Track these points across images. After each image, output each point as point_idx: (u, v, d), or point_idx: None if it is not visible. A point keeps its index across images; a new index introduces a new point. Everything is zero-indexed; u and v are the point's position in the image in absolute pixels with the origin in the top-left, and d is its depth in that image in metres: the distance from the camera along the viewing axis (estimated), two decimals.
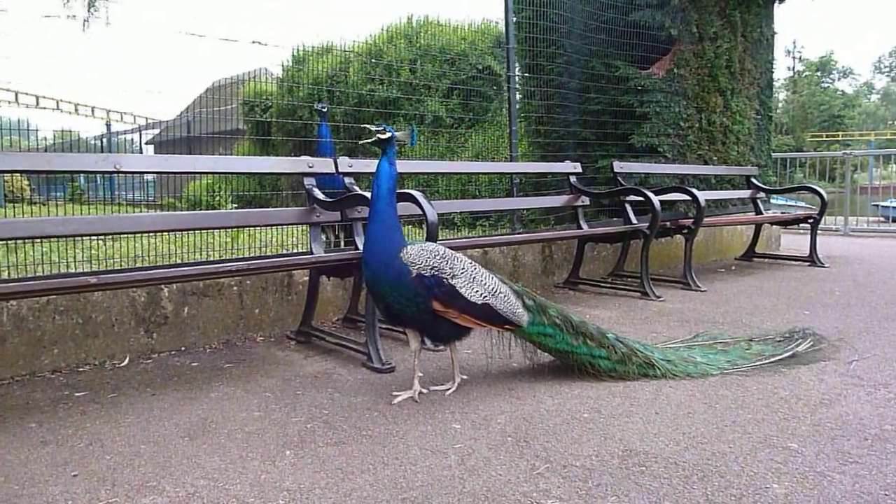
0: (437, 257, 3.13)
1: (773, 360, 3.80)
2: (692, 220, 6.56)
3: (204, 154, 6.10)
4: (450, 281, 3.10)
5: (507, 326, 3.34)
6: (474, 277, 3.19)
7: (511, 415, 3.08)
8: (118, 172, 3.54)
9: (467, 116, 10.46)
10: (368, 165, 4.84)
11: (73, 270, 4.35)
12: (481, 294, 3.18)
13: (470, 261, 3.26)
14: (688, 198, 6.63)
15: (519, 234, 6.06)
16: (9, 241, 4.22)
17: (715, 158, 8.25)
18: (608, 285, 6.49)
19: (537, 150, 7.66)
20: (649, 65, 7.72)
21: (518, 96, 7.33)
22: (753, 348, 3.94)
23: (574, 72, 7.66)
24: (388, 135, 3.19)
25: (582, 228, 6.13)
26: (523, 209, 7.10)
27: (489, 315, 3.22)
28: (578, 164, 6.42)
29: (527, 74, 7.52)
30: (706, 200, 6.52)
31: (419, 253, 3.10)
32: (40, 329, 3.75)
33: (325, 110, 6.59)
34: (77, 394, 3.44)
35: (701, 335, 4.29)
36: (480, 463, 2.58)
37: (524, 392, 3.40)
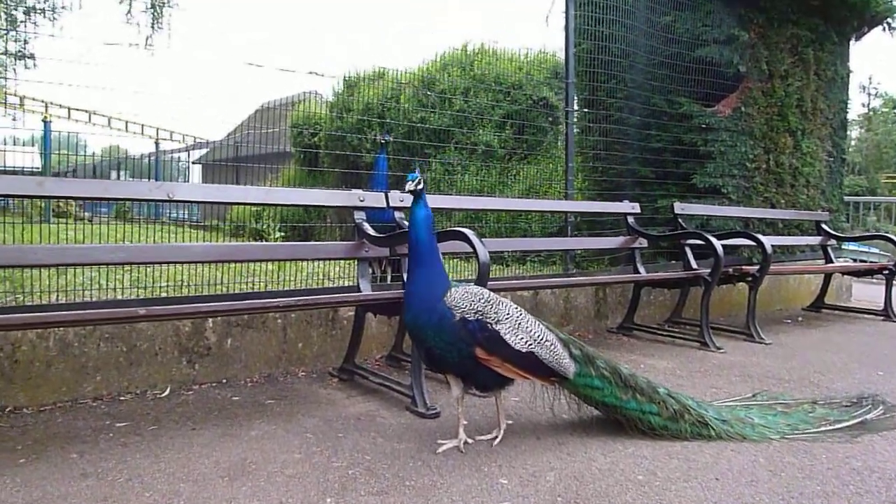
0: (482, 301, 3.10)
1: (838, 426, 3.66)
2: (757, 268, 6.42)
3: (251, 176, 6.28)
4: (494, 326, 3.07)
5: (552, 378, 3.29)
6: (519, 324, 3.16)
7: (561, 472, 3.03)
8: (171, 201, 3.67)
9: (520, 148, 10.49)
10: None
11: (120, 297, 4.49)
12: (526, 342, 3.14)
13: (516, 306, 3.23)
14: (752, 243, 6.49)
15: (572, 275, 6.02)
16: (59, 267, 4.38)
17: (783, 202, 8.08)
18: (665, 333, 6.37)
19: (593, 186, 7.63)
20: (715, 102, 7.65)
21: (575, 131, 7.34)
22: (817, 412, 3.80)
23: (635, 107, 7.65)
24: (421, 185, 3.21)
25: (639, 272, 6.06)
26: (577, 249, 7.06)
27: (533, 365, 3.18)
28: (637, 205, 6.37)
29: (585, 109, 7.53)
30: (773, 246, 6.38)
31: (463, 296, 3.09)
32: (85, 356, 3.87)
33: (386, 141, 6.68)
34: (118, 424, 3.53)
35: (761, 394, 4.17)
36: None
37: (575, 447, 3.35)
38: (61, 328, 3.69)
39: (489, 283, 4.27)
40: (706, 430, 3.48)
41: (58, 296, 4.35)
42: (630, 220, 6.26)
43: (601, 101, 7.42)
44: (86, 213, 11.31)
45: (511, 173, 9.81)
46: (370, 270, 4.79)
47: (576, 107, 7.40)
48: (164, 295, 4.83)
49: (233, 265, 5.58)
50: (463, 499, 2.74)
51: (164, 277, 5.30)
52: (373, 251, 4.35)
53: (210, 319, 4.24)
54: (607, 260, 7.53)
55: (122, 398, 3.97)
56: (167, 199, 3.65)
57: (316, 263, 6.28)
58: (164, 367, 4.15)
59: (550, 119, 10.88)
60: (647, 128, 7.61)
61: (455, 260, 7.17)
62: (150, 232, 7.16)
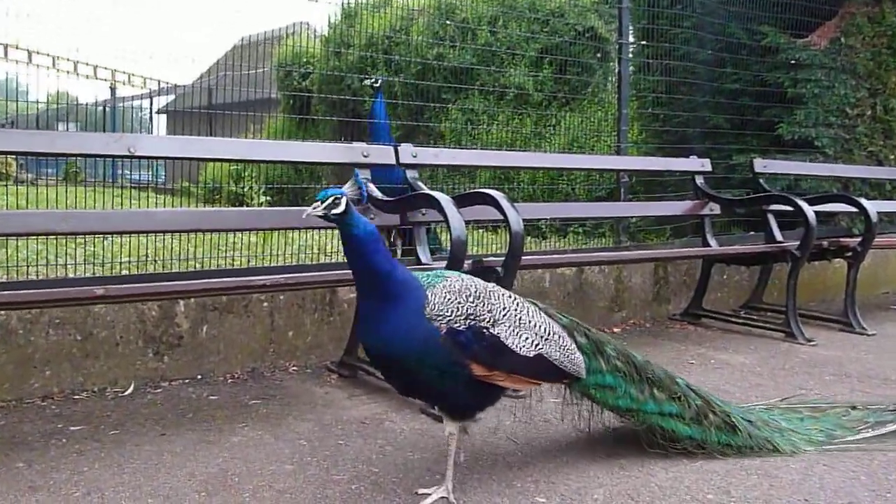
0: (471, 298, 2.85)
1: (883, 431, 3.70)
2: (859, 240, 6.34)
3: (228, 128, 6.29)
4: (492, 331, 2.86)
5: (563, 381, 3.19)
6: (520, 319, 2.96)
7: (611, 489, 3.05)
8: (133, 157, 3.69)
9: (561, 92, 10.40)
10: (437, 156, 4.92)
11: (72, 275, 4.55)
12: (532, 342, 2.96)
13: (509, 294, 3.05)
14: (853, 209, 6.41)
15: (625, 248, 6.00)
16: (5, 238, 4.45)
17: (892, 157, 7.96)
18: (741, 321, 6.34)
19: (651, 139, 7.59)
20: (807, 32, 7.53)
21: (630, 69, 7.27)
22: (853, 415, 3.84)
23: (705, 39, 7.55)
24: (343, 206, 2.67)
25: (709, 245, 6.03)
26: (632, 217, 7.02)
27: (545, 370, 3.02)
28: (707, 161, 6.31)
29: (643, 42, 7.45)
30: (879, 213, 6.30)
31: (446, 298, 2.80)
32: (32, 345, 3.94)
33: (378, 85, 6.67)
34: (72, 428, 3.59)
35: (792, 398, 4.18)
36: None
37: (629, 459, 3.36)
38: (2, 311, 3.74)
39: (524, 257, 4.29)
40: (733, 436, 3.44)
41: None
42: (698, 180, 6.21)
43: (663, 32, 7.33)
44: (28, 175, 11.44)
45: (549, 123, 9.75)
46: None
47: (631, 39, 7.31)
48: (125, 273, 4.88)
49: (207, 236, 5.61)
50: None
51: (125, 252, 5.35)
52: (380, 218, 4.36)
53: (181, 302, 4.29)
54: (669, 230, 7.50)
55: (76, 397, 4.03)
56: (128, 154, 3.67)
57: (309, 234, 6.31)
58: (127, 360, 4.20)
59: (599, 55, 10.75)
60: (722, 65, 7.51)
61: (479, 231, 7.18)
62: (105, 197, 7.23)
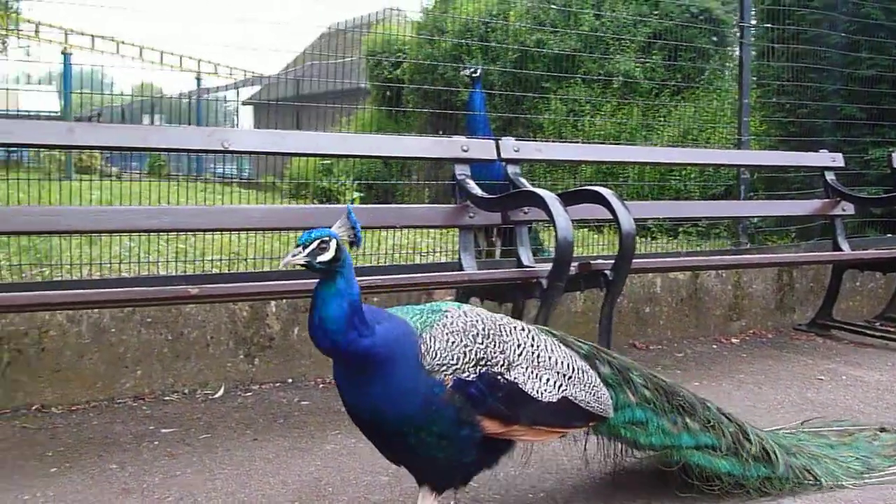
0: (479, 339, 2.51)
1: None
2: None
3: (315, 120, 6.43)
4: (508, 377, 2.53)
5: (590, 424, 2.87)
6: (538, 358, 2.65)
7: None
8: (226, 152, 3.82)
9: (673, 80, 10.23)
10: (541, 150, 4.91)
11: (162, 273, 4.74)
12: (555, 384, 2.66)
13: (521, 327, 2.72)
14: None
15: (746, 251, 5.87)
16: (89, 235, 4.67)
17: None
18: (876, 333, 6.10)
19: (775, 131, 7.40)
20: None
21: (752, 54, 7.10)
22: (883, 439, 3.57)
23: (837, 20, 7.32)
24: (332, 252, 2.34)
25: (840, 249, 5.83)
26: (753, 217, 6.85)
27: (571, 415, 2.74)
28: (839, 156, 6.11)
29: (766, 24, 7.27)
30: None
31: (448, 341, 2.45)
32: (123, 344, 4.12)
33: (477, 75, 6.70)
34: (163, 430, 3.75)
35: (810, 421, 3.83)
36: None
37: None
38: (96, 309, 3.93)
39: (634, 261, 4.25)
40: (771, 466, 3.11)
41: (90, 270, 4.63)
42: (829, 176, 6.01)
43: (789, 13, 7.13)
44: (113, 168, 11.93)
45: (660, 114, 9.61)
46: (474, 242, 4.83)
47: (753, 21, 7.14)
48: (214, 271, 5.05)
49: (297, 234, 5.76)
50: None
51: (214, 250, 5.54)
52: (479, 217, 4.39)
53: (273, 303, 4.41)
54: (793, 232, 7.29)
55: (166, 398, 4.21)
56: (221, 149, 3.81)
57: (402, 234, 6.39)
58: (217, 362, 4.35)
59: (715, 39, 10.54)
60: (856, 48, 7.26)
61: (583, 230, 7.13)
62: (191, 192, 7.49)
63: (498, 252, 6.21)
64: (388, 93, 12.36)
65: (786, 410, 4.28)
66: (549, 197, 3.97)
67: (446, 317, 2.51)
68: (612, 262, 4.26)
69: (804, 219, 6.79)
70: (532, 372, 2.60)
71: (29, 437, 3.62)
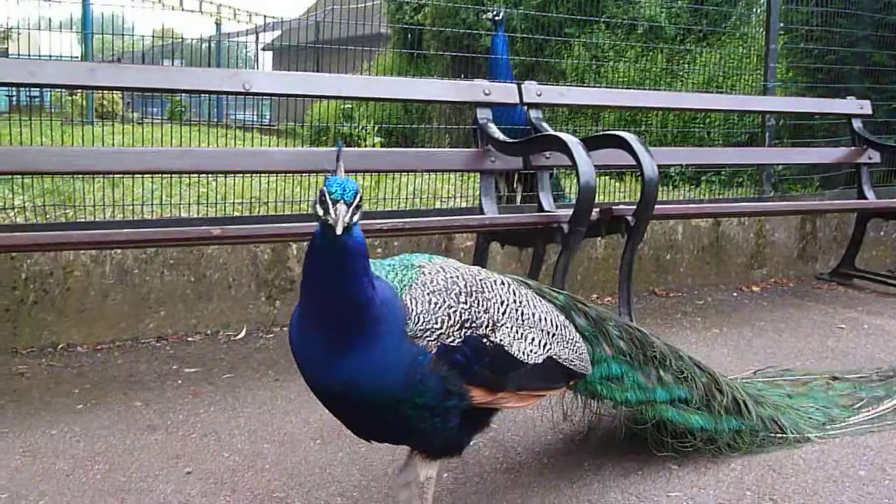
0: (462, 297, 2.29)
1: (886, 407, 3.42)
2: None
3: (336, 65, 6.38)
4: (494, 339, 2.32)
5: (571, 383, 2.70)
6: (522, 314, 2.44)
7: (751, 459, 3.02)
8: (248, 94, 3.81)
9: (698, 24, 10.07)
10: (564, 95, 4.87)
11: (185, 216, 4.76)
12: (540, 342, 2.46)
13: (501, 280, 2.49)
14: None
15: (769, 200, 5.82)
16: (112, 175, 4.68)
17: None
18: None
19: (801, 77, 7.27)
20: None
21: None
22: (838, 388, 3.54)
23: None
24: (344, 212, 1.97)
25: (866, 197, 5.78)
26: (777, 164, 6.78)
27: (555, 375, 2.56)
28: (867, 103, 6.02)
29: None
30: None
31: (430, 302, 2.22)
32: (147, 285, 4.17)
33: (499, 18, 6.61)
34: (187, 369, 3.81)
35: (763, 371, 3.76)
36: None
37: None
38: (119, 250, 3.97)
39: (656, 207, 4.23)
40: (742, 419, 3.02)
41: (113, 212, 4.66)
42: (856, 124, 5.93)
43: None
44: (134, 114, 11.93)
45: (684, 60, 9.46)
46: (495, 187, 4.82)
47: None
48: (236, 214, 5.07)
49: (316, 179, 5.77)
50: (619, 485, 2.79)
51: (235, 193, 5.55)
52: (501, 161, 4.37)
53: (294, 245, 4.43)
54: (817, 181, 7.21)
55: (189, 339, 4.26)
56: (243, 90, 3.79)
57: (422, 179, 6.37)
58: (239, 304, 4.40)
59: None
60: None
61: (604, 177, 7.08)
62: (211, 137, 7.49)
63: (519, 198, 6.19)
64: (409, 37, 12.24)
65: (805, 358, 4.29)
66: (572, 141, 3.94)
67: (423, 273, 2.28)
68: (634, 207, 4.25)
69: (829, 167, 6.73)
70: (517, 331, 2.39)
71: (55, 374, 3.69)
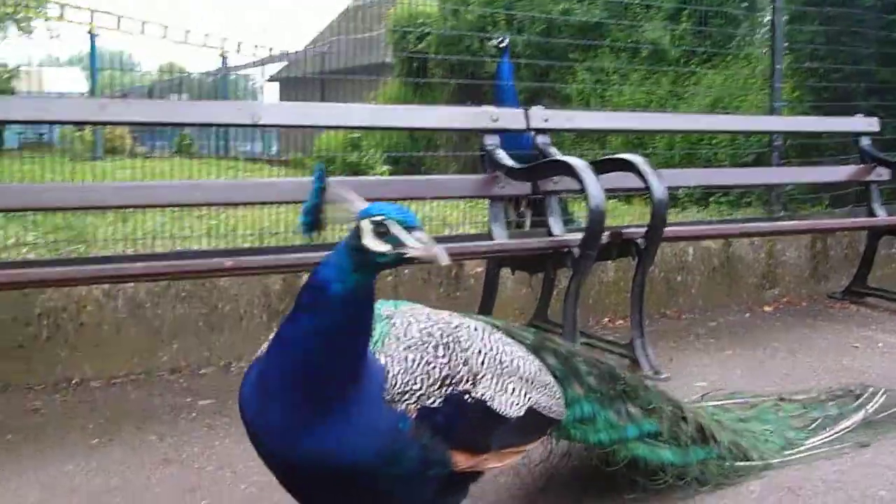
0: (438, 349, 2.05)
1: (841, 430, 3.28)
2: None
3: (341, 95, 6.46)
4: (475, 394, 2.08)
5: (549, 430, 2.50)
6: (500, 362, 2.21)
7: (770, 482, 2.99)
8: (257, 126, 3.85)
9: (702, 47, 10.12)
10: (571, 119, 4.89)
11: (196, 248, 4.79)
12: (521, 391, 2.23)
13: (474, 321, 2.30)
14: None
15: (779, 219, 5.82)
16: (123, 210, 4.72)
17: None
18: None
19: (808, 97, 7.29)
20: None
21: (783, 18, 7.00)
22: (788, 409, 3.38)
23: None
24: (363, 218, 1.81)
25: (876, 215, 5.77)
26: (786, 185, 6.79)
27: (536, 427, 2.35)
28: (875, 120, 6.03)
29: None
30: None
31: (405, 358, 1.98)
32: (159, 319, 4.18)
33: (504, 45, 6.66)
34: (201, 402, 3.81)
35: (709, 395, 3.52)
36: None
37: None
38: (132, 284, 3.99)
39: (666, 229, 4.24)
40: (706, 448, 2.84)
41: (125, 245, 4.69)
42: (864, 142, 5.94)
43: None
44: (141, 148, 12.02)
45: (689, 82, 9.52)
46: (504, 213, 4.83)
47: None
48: (246, 245, 5.10)
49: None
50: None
51: (245, 225, 5.59)
52: (510, 187, 4.39)
53: (304, 276, 4.44)
54: (827, 200, 7.21)
55: (202, 371, 4.27)
56: (252, 123, 3.82)
57: (431, 206, 6.40)
58: (251, 335, 4.39)
59: (745, 4, 10.41)
60: (891, 10, 7.13)
61: (612, 200, 7.10)
62: (219, 170, 7.55)
63: (528, 223, 6.21)
64: (413, 65, 12.34)
65: (820, 378, 4.26)
66: (581, 165, 3.97)
67: (394, 326, 2.04)
68: (644, 230, 4.26)
69: (838, 186, 6.72)
70: (497, 383, 2.15)
71: (70, 409, 3.69)
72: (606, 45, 10.07)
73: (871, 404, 3.45)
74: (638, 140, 8.78)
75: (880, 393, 3.52)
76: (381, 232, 1.73)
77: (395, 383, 1.92)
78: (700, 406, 3.21)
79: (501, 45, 6.65)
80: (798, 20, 7.34)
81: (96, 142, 9.64)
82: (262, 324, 4.43)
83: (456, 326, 2.15)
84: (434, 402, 1.97)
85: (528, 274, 4.81)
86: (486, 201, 4.55)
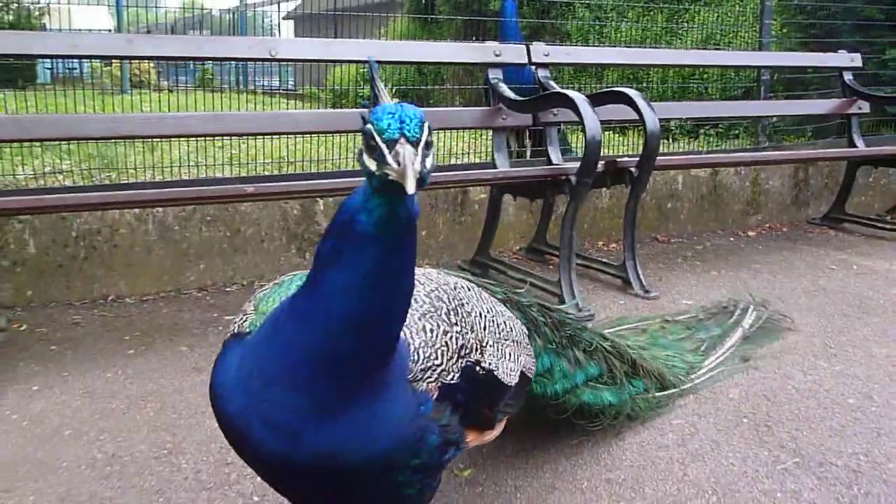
0: (450, 315, 1.73)
1: (727, 349, 3.17)
2: None
3: (354, 31, 6.38)
4: (484, 364, 1.78)
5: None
6: (496, 324, 1.92)
7: (747, 389, 3.06)
8: (273, 60, 3.81)
9: None
10: (570, 54, 4.85)
11: (220, 175, 4.81)
12: (514, 355, 1.95)
13: (464, 281, 2.00)
14: None
15: (764, 149, 5.80)
16: (151, 140, 4.72)
17: None
18: (888, 226, 6.04)
19: (795, 33, 7.17)
20: None
21: None
22: (674, 331, 3.18)
23: None
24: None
25: (856, 146, 5.73)
26: (772, 116, 6.73)
27: (523, 390, 2.08)
28: (857, 56, 5.95)
29: None
30: None
31: (423, 329, 1.65)
32: (186, 241, 4.22)
33: None
34: (227, 316, 3.86)
35: (600, 322, 3.39)
36: (706, 447, 2.62)
37: (765, 361, 3.33)
38: (161, 208, 4.02)
39: (657, 158, 4.23)
40: (637, 381, 2.62)
41: (153, 173, 4.71)
42: (847, 76, 5.87)
43: None
44: (165, 83, 11.89)
45: (683, 19, 9.35)
46: (506, 144, 4.82)
47: None
48: (266, 173, 5.11)
49: (339, 139, 5.79)
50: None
51: (263, 155, 5.58)
52: (512, 119, 4.37)
53: (321, 201, 4.47)
54: (810, 132, 7.16)
55: (227, 289, 4.32)
56: (269, 57, 3.79)
57: (437, 137, 6.36)
58: (272, 256, 4.45)
59: None
60: None
61: (608, 132, 7.06)
62: (239, 103, 7.49)
63: (528, 153, 6.18)
64: (421, 3, 12.10)
65: (798, 297, 4.31)
66: (579, 98, 3.94)
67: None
68: (637, 160, 4.25)
69: (821, 118, 6.67)
70: (498, 348, 1.86)
71: (107, 323, 3.76)
72: None
73: (745, 320, 3.35)
74: (633, 74, 8.66)
75: (751, 308, 3.42)
76: (371, 146, 1.30)
77: (418, 358, 1.58)
78: (621, 335, 2.93)
79: None
80: None
81: (123, 76, 9.56)
82: (281, 245, 4.48)
83: (454, 287, 1.84)
84: (452, 377, 1.64)
85: (528, 200, 4.82)
86: (490, 132, 4.53)
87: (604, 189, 4.99)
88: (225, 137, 4.74)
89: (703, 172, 5.71)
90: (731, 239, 5.74)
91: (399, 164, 1.24)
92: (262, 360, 1.47)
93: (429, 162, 1.31)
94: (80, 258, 4.01)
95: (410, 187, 1.22)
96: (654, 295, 4.25)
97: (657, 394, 2.68)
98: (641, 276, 4.37)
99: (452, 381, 1.63)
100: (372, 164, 1.30)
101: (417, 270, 1.63)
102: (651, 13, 9.60)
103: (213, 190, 3.40)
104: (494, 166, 4.32)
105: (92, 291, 4.06)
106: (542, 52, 4.58)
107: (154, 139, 4.51)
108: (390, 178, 1.26)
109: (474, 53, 4.49)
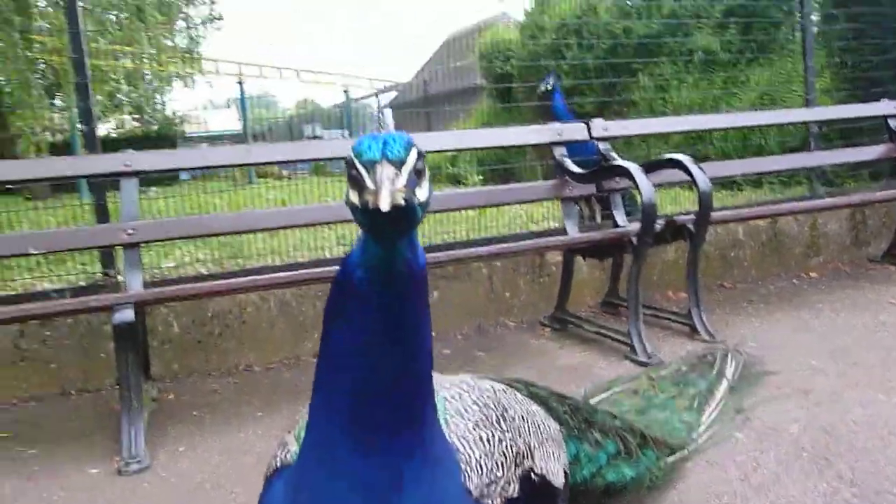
0: (501, 422, 1.50)
1: (716, 405, 2.48)
2: None
3: (442, 116, 6.63)
4: (537, 470, 1.54)
5: None
6: (537, 425, 1.65)
7: (807, 424, 3.01)
8: None
9: (748, 49, 9.81)
10: (627, 128, 4.93)
11: (329, 256, 5.06)
12: (558, 455, 1.69)
13: (503, 387, 1.70)
14: None
15: (818, 197, 5.67)
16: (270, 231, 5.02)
17: None
18: None
19: (842, 85, 7.00)
20: None
21: (815, 18, 6.78)
22: (665, 388, 2.57)
23: None
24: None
25: None
26: (825, 165, 6.59)
27: (568, 491, 1.77)
28: None
29: None
30: None
31: (479, 438, 1.41)
32: (303, 315, 4.46)
33: (551, 88, 6.51)
34: None
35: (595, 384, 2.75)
36: (768, 480, 2.60)
37: (823, 395, 3.28)
38: (282, 289, 4.28)
39: (715, 213, 4.24)
40: (647, 450, 2.19)
41: (272, 258, 5.00)
42: (892, 123, 5.70)
43: None
44: (285, 172, 12.55)
45: (738, 81, 9.27)
46: (577, 210, 4.91)
47: None
48: None
49: (432, 215, 5.99)
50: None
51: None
52: (577, 189, 4.47)
53: None
54: (867, 175, 6.94)
55: None
56: None
57: (518, 206, 6.50)
58: None
59: (785, 9, 10.04)
60: None
61: (674, 189, 7.04)
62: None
63: (598, 217, 6.23)
64: (499, 88, 12.39)
65: (858, 332, 4.19)
66: (634, 168, 4.02)
67: (447, 401, 1.46)
68: (693, 217, 4.27)
69: (872, 163, 6.48)
70: (543, 450, 1.59)
71: (239, 389, 4.00)
72: (663, 57, 9.91)
73: (727, 369, 2.68)
74: (697, 134, 8.62)
75: (729, 356, 2.72)
76: (352, 175, 1.05)
77: (480, 472, 1.34)
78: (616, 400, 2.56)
79: (548, 89, 6.55)
80: (828, 20, 7.09)
81: (250, 172, 10.18)
82: None
83: (494, 391, 1.59)
84: (514, 488, 1.39)
85: (598, 260, 4.87)
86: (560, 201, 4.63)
87: (667, 245, 4.99)
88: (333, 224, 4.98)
89: (762, 221, 5.62)
90: (795, 281, 5.60)
91: (374, 185, 1.00)
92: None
93: (420, 191, 1.07)
94: (216, 335, 4.30)
95: (384, 203, 0.98)
96: (720, 339, 4.20)
97: (668, 459, 2.28)
98: (706, 322, 4.34)
99: (515, 495, 1.39)
100: (354, 197, 1.05)
101: (454, 378, 1.52)
102: (709, 78, 9.57)
103: (323, 272, 3.61)
104: (565, 232, 4.41)
105: (226, 362, 4.33)
106: (602, 127, 4.68)
107: (273, 230, 4.77)
108: (370, 205, 1.00)
109: (539, 135, 4.63)
